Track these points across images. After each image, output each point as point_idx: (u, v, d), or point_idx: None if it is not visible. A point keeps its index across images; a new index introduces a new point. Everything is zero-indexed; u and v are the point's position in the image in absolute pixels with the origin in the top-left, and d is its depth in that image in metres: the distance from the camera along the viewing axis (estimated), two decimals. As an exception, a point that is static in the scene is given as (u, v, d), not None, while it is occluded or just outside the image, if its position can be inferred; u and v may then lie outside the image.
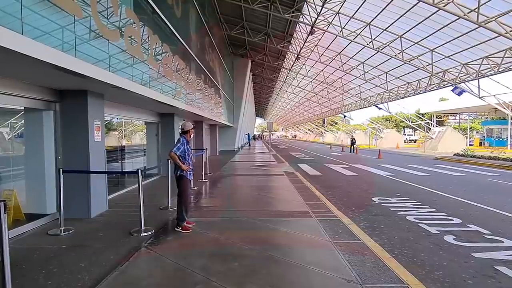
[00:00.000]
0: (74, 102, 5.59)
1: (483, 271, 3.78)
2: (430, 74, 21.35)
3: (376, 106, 32.17)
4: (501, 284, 3.46)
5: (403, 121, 48.55)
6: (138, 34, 6.24)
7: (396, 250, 4.50)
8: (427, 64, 20.29)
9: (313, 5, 17.99)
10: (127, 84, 5.57)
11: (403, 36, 18.52)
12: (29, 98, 4.96)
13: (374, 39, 19.72)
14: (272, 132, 31.36)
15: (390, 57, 21.37)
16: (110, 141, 9.49)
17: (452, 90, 20.82)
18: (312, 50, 26.39)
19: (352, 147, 29.42)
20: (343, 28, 19.53)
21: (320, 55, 26.91)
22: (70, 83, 5.05)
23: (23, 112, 5.49)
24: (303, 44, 23.66)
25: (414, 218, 6.16)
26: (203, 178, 10.41)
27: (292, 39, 25.01)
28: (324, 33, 21.56)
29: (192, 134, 5.38)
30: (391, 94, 28.44)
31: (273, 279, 3.39)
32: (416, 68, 21.46)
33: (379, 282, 3.36)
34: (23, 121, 5.49)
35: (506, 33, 13.83)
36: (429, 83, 22.69)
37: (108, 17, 5.14)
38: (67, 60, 3.84)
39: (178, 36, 8.96)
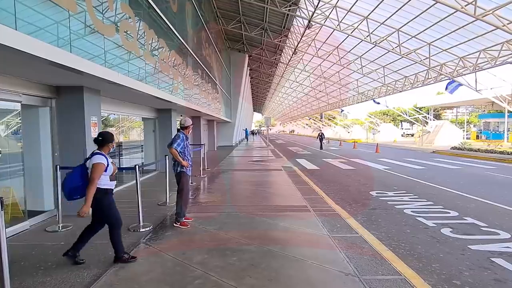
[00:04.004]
0: (70, 98, 5.56)
1: (480, 263, 3.82)
2: (427, 68, 21.35)
3: (374, 101, 32.14)
4: (497, 276, 3.50)
5: (400, 115, 48.69)
6: (134, 29, 6.18)
7: (394, 243, 4.53)
8: (425, 57, 20.28)
9: (310, -1, 17.88)
10: (124, 79, 5.53)
11: (400, 29, 18.46)
12: (25, 95, 4.91)
13: (371, 33, 19.64)
14: (269, 127, 31.35)
15: (387, 51, 21.32)
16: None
17: (446, 88, 20.85)
18: (309, 45, 26.27)
19: (322, 143, 26.55)
20: (340, 22, 19.42)
21: (317, 49, 26.81)
22: (66, 79, 5.01)
23: (19, 110, 5.44)
24: (300, 39, 23.55)
25: (412, 211, 6.20)
26: (201, 173, 10.41)
27: (289, 34, 24.88)
28: (321, 27, 21.44)
29: (191, 130, 5.38)
30: (388, 88, 28.43)
31: (271, 273, 3.40)
32: (414, 62, 21.44)
33: (377, 275, 3.39)
34: (19, 118, 5.45)
35: (503, 26, 13.82)
36: (427, 76, 22.70)
37: (103, 12, 5.08)
38: (63, 56, 3.80)
39: (175, 31, 8.88)
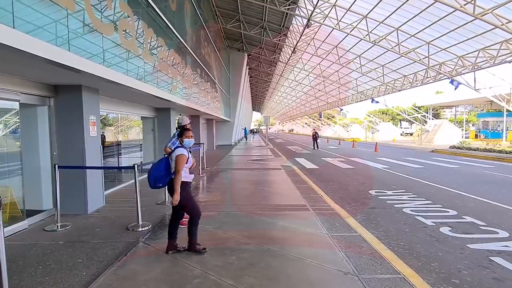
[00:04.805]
0: (69, 97, 5.54)
1: (478, 262, 3.83)
2: (426, 67, 21.37)
3: (373, 100, 32.16)
4: (495, 275, 3.51)
5: (399, 114, 48.73)
6: (132, 28, 6.16)
7: (393, 242, 4.54)
8: (424, 57, 20.30)
9: (310, -2, 17.87)
10: (122, 78, 5.51)
11: (399, 28, 18.47)
12: (23, 94, 4.89)
13: (370, 32, 19.66)
14: (269, 126, 31.28)
15: (386, 50, 21.34)
16: (106, 136, 9.43)
17: (451, 82, 20.89)
18: (309, 44, 26.27)
19: (315, 142, 25.10)
20: (340, 21, 19.43)
21: (316, 48, 26.81)
22: (64, 78, 4.99)
23: (17, 109, 5.42)
24: (300, 38, 23.54)
25: (411, 210, 6.20)
26: (200, 173, 10.40)
27: (289, 32, 24.87)
28: (321, 26, 21.45)
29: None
30: (387, 87, 28.46)
31: (270, 272, 3.40)
32: (413, 61, 21.48)
33: (376, 274, 3.39)
34: (17, 117, 5.43)
35: (502, 25, 13.84)
36: (426, 76, 22.73)
37: (102, 11, 5.06)
38: (61, 55, 3.78)
39: (174, 30, 8.86)
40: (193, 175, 3.98)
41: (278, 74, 40.29)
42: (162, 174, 3.73)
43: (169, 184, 3.76)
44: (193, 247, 3.86)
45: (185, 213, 4.78)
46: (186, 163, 3.73)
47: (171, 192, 3.73)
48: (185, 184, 3.75)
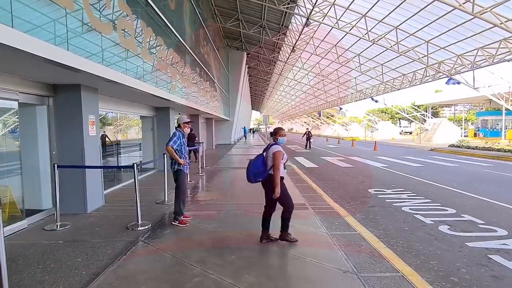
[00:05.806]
0: (68, 96, 5.53)
1: (477, 260, 3.84)
2: (425, 66, 21.38)
3: (372, 99, 32.17)
4: (494, 272, 3.52)
5: (398, 113, 48.77)
6: (131, 27, 6.15)
7: (392, 240, 4.55)
8: (423, 55, 20.30)
9: (309, -3, 17.85)
10: (121, 77, 5.51)
11: (398, 27, 18.46)
12: (22, 93, 4.89)
13: (369, 31, 19.65)
14: (268, 126, 31.22)
15: (385, 49, 21.34)
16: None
17: (447, 83, 20.94)
18: (308, 43, 26.24)
19: (308, 142, 23.92)
20: (339, 19, 19.42)
21: (315, 47, 26.78)
22: (63, 78, 4.98)
23: (16, 109, 5.41)
24: (299, 36, 23.51)
25: (410, 209, 6.22)
26: (200, 172, 10.40)
27: (288, 31, 24.85)
28: (320, 25, 21.44)
29: (188, 128, 5.36)
30: (386, 86, 28.46)
31: (270, 271, 3.41)
32: (412, 60, 21.48)
33: (375, 272, 3.40)
34: (16, 117, 5.42)
35: (501, 24, 13.85)
36: (425, 74, 22.74)
37: (101, 10, 5.05)
38: (60, 54, 3.78)
39: (173, 29, 8.85)
40: (285, 170, 4.22)
41: (277, 73, 40.25)
42: (261, 169, 4.06)
43: (266, 178, 4.05)
44: (285, 237, 4.16)
45: (176, 213, 4.80)
46: (282, 159, 3.99)
47: (266, 186, 4.08)
48: (280, 178, 4.02)
